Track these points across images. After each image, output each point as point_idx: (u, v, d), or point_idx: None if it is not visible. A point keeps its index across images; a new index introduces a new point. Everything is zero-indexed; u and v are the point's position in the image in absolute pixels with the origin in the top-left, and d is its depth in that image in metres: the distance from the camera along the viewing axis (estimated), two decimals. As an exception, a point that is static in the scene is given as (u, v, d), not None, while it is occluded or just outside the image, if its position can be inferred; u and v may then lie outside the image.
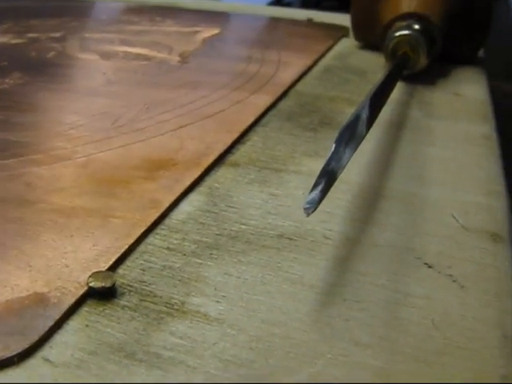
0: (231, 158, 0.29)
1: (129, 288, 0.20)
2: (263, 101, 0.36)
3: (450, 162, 0.30)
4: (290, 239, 0.23)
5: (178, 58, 0.42)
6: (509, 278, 0.22)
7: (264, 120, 0.34)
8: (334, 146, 0.23)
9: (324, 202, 0.25)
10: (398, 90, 0.39)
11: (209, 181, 0.27)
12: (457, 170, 0.30)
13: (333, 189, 0.26)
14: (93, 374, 0.17)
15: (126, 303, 0.20)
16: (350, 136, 0.24)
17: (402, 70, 0.38)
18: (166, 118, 0.32)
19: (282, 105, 0.36)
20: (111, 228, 0.23)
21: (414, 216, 0.25)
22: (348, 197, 0.27)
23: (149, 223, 0.23)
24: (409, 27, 0.41)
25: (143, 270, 0.21)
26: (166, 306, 0.20)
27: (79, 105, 0.34)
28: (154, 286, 0.20)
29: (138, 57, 0.43)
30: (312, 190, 0.20)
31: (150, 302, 0.20)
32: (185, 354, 0.18)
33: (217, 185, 0.27)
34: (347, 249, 0.23)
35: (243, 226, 0.24)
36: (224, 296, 0.20)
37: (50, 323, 0.18)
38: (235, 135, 0.31)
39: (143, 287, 0.20)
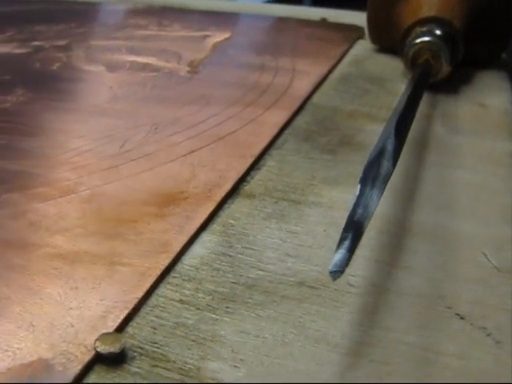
0: (246, 187, 0.28)
1: (139, 351, 0.19)
2: (279, 117, 0.34)
3: (480, 189, 0.28)
4: (312, 287, 0.22)
5: (187, 68, 0.40)
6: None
7: (279, 140, 0.32)
8: (358, 187, 0.21)
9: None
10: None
11: (223, 216, 0.26)
12: (487, 197, 0.28)
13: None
14: None
15: (136, 370, 0.18)
16: (375, 174, 0.22)
17: (427, 79, 0.36)
18: (176, 140, 0.31)
19: (299, 121, 0.35)
20: (118, 278, 0.21)
21: (443, 255, 0.24)
22: (371, 233, 0.25)
23: (159, 271, 0.22)
24: (430, 33, 0.38)
25: (154, 329, 0.20)
26: (180, 373, 0.18)
27: (84, 126, 0.32)
28: (166, 348, 0.19)
29: (145, 67, 0.41)
30: (338, 248, 0.18)
31: (163, 368, 0.18)
32: None
33: (231, 221, 0.25)
34: (373, 298, 0.21)
35: (261, 272, 0.22)
36: (242, 360, 0.18)
37: (55, 398, 0.17)
38: (249, 160, 0.29)
39: (155, 349, 0.19)
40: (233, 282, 0.22)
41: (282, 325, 0.20)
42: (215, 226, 0.25)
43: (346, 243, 0.18)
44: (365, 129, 0.34)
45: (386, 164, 0.23)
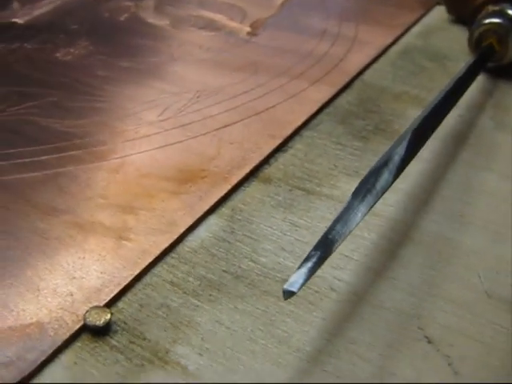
0: (266, 170, 0.29)
1: (123, 325, 0.21)
2: (322, 94, 0.34)
3: (503, 199, 0.27)
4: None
5: (247, 29, 0.41)
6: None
7: (315, 120, 0.32)
8: (349, 199, 0.22)
9: (346, 241, 0.24)
10: (476, 86, 0.35)
11: (235, 200, 0.27)
12: (508, 209, 0.27)
13: (362, 223, 0.25)
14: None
15: (115, 343, 0.21)
16: (370, 187, 0.22)
17: (478, 69, 0.34)
18: (213, 111, 0.32)
19: (342, 100, 0.34)
20: (122, 253, 0.24)
21: (434, 271, 0.24)
22: (373, 236, 0.25)
23: (158, 252, 0.24)
24: (501, 13, 0.36)
25: (141, 306, 0.22)
26: (150, 352, 0.20)
27: (135, 88, 0.34)
28: (146, 327, 0.21)
29: (208, 24, 0.42)
30: (300, 266, 0.19)
31: (138, 346, 0.21)
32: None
33: (241, 205, 0.27)
34: (349, 308, 0.22)
35: (252, 264, 0.24)
36: (208, 349, 0.21)
37: (42, 358, 0.20)
38: (277, 141, 0.30)
39: (136, 326, 0.21)
40: (223, 270, 0.24)
41: (254, 320, 0.22)
42: (224, 210, 0.26)
43: (309, 264, 0.19)
44: (406, 114, 0.33)
45: (386, 177, 0.23)
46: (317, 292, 0.23)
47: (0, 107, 0.31)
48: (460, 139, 0.32)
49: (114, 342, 0.21)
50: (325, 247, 0.20)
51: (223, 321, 0.22)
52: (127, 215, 0.25)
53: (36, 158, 0.28)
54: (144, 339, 0.21)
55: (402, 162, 0.24)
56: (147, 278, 0.23)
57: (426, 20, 0.44)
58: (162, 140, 0.30)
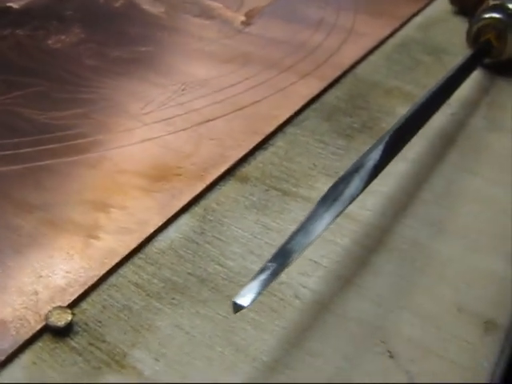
0: (244, 169, 0.28)
1: (84, 327, 0.21)
2: (310, 89, 0.33)
3: (487, 204, 0.27)
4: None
5: (242, 18, 0.40)
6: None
7: (301, 116, 0.32)
8: (314, 206, 0.21)
9: (317, 246, 0.24)
10: (472, 83, 0.34)
11: (209, 198, 0.27)
12: (490, 217, 0.26)
13: (335, 228, 0.25)
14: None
15: (75, 345, 0.21)
16: (339, 194, 0.22)
17: (474, 65, 0.33)
18: (197, 105, 0.32)
19: (330, 95, 0.34)
20: (90, 253, 0.24)
21: (405, 280, 0.23)
22: (346, 241, 0.25)
23: (126, 252, 0.24)
24: (501, 8, 0.34)
25: (104, 308, 0.22)
26: (108, 355, 0.21)
27: (121, 79, 0.34)
28: (106, 329, 0.21)
29: (203, 12, 0.41)
30: (254, 278, 0.19)
31: (97, 348, 0.21)
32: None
33: (214, 205, 0.26)
34: (312, 317, 0.22)
35: (218, 267, 0.24)
36: (164, 354, 0.21)
37: (2, 357, 0.20)
38: (258, 139, 0.29)
39: (96, 328, 0.21)
40: (189, 273, 0.24)
41: (214, 326, 0.22)
42: (197, 209, 0.26)
43: (263, 276, 0.19)
44: (396, 112, 0.32)
45: (357, 183, 0.22)
46: (281, 299, 0.23)
47: (-15, 97, 0.32)
48: (449, 139, 0.31)
49: (73, 344, 0.21)
50: (282, 258, 0.19)
51: (183, 325, 0.22)
52: (99, 213, 0.25)
53: (18, 151, 0.28)
54: (103, 342, 0.21)
55: (375, 168, 0.23)
56: (113, 279, 0.23)
57: (429, 11, 0.43)
58: (142, 134, 0.30)
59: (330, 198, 0.22)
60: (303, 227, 0.20)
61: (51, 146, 0.29)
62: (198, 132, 0.30)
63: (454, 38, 0.39)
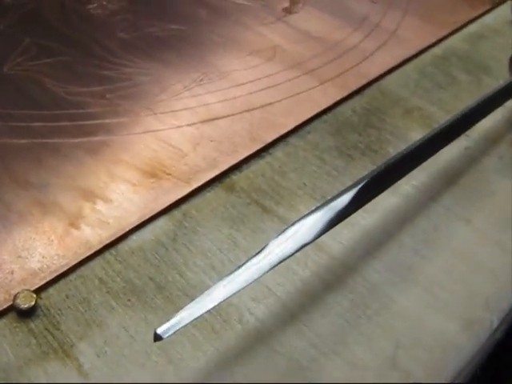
0: (234, 177, 0.29)
1: (45, 312, 0.24)
2: (326, 98, 0.33)
3: (463, 263, 0.26)
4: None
5: (285, 5, 0.39)
6: None
7: (308, 127, 0.32)
8: (267, 244, 0.22)
9: (277, 273, 0.25)
10: (502, 113, 0.33)
11: (191, 203, 0.28)
12: (460, 277, 0.26)
13: (301, 256, 0.26)
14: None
15: (33, 327, 0.24)
16: (285, 240, 0.22)
17: (508, 96, 0.31)
18: (210, 100, 0.32)
19: (345, 107, 0.33)
20: (67, 241, 0.26)
21: (351, 326, 0.24)
22: (306, 273, 0.26)
23: (100, 246, 0.26)
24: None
25: (67, 297, 0.25)
26: (58, 343, 0.23)
27: (144, 59, 0.35)
28: (64, 318, 0.24)
29: (249, -11, 0.40)
30: (184, 309, 0.20)
31: (50, 334, 0.23)
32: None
33: (194, 212, 0.28)
34: (247, 345, 0.23)
35: (177, 277, 0.25)
36: (105, 352, 0.23)
37: (-31, 328, 0.23)
38: (257, 146, 0.30)
39: (56, 315, 0.24)
40: (150, 278, 0.25)
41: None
42: (176, 213, 0.28)
43: (191, 311, 0.20)
44: (408, 136, 0.32)
45: (308, 232, 0.22)
46: (225, 321, 0.24)
47: (18, 60, 0.33)
48: (453, 177, 0.30)
49: (32, 326, 0.24)
50: (214, 296, 0.21)
51: (129, 328, 0.24)
52: (85, 202, 0.27)
53: (30, 124, 0.30)
54: (58, 329, 0.24)
55: (343, 210, 0.23)
56: (82, 270, 0.25)
57: (487, 19, 0.40)
58: (147, 125, 0.31)
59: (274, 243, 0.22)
60: (246, 268, 0.21)
61: (61, 123, 0.30)
62: (200, 130, 0.31)
63: (503, 56, 0.36)
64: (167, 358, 0.23)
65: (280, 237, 0.22)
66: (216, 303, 0.20)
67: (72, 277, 0.25)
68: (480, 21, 0.40)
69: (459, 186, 0.30)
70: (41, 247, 0.26)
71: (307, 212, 0.22)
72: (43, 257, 0.25)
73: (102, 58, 0.34)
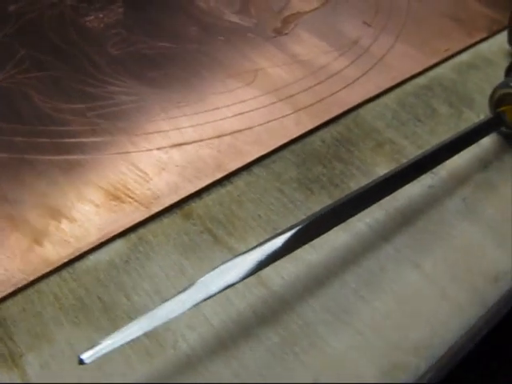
0: (193, 204, 0.31)
1: (2, 322, 0.27)
2: (299, 126, 0.34)
3: (401, 310, 0.27)
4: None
5: (277, 25, 0.39)
6: None
7: (275, 156, 0.33)
8: (193, 282, 0.24)
9: (215, 300, 0.26)
10: (475, 151, 0.33)
11: (148, 228, 0.30)
12: (395, 325, 0.26)
13: (242, 287, 0.27)
14: None
15: (-15, 336, 0.26)
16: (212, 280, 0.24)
17: (481, 135, 0.31)
18: (183, 123, 0.34)
19: (316, 137, 0.34)
20: (31, 257, 0.28)
21: (278, 361, 0.25)
22: (243, 305, 0.27)
23: (58, 264, 0.28)
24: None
25: (23, 310, 0.27)
26: (9, 352, 0.26)
27: (130, 79, 0.36)
28: (17, 329, 0.26)
29: (243, 9, 0.41)
30: (114, 335, 0.22)
31: (3, 343, 0.26)
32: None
33: (150, 237, 0.30)
34: (174, 372, 0.25)
35: (124, 299, 0.27)
36: (49, 365, 0.25)
37: None
38: (220, 175, 0.31)
39: (11, 326, 0.27)
40: (98, 298, 0.28)
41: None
42: (133, 237, 0.30)
43: (119, 337, 0.22)
44: (374, 172, 0.32)
45: (237, 272, 0.24)
46: (160, 345, 0.26)
47: (11, 72, 0.36)
48: (410, 217, 0.31)
49: (-16, 335, 0.26)
50: (146, 323, 0.23)
51: (74, 345, 0.26)
52: (52, 220, 0.30)
53: (13, 138, 0.33)
54: (10, 339, 0.26)
55: (270, 256, 0.25)
56: (40, 285, 0.28)
57: (482, 47, 0.39)
58: (121, 146, 0.33)
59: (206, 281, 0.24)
60: (170, 304, 0.23)
61: (41, 140, 0.33)
62: (169, 154, 0.32)
63: (490, 89, 0.36)
64: (100, 374, 0.25)
65: (207, 275, 0.24)
66: (137, 335, 0.22)
67: (30, 291, 0.28)
68: (473, 49, 0.39)
69: (416, 227, 0.30)
70: (5, 261, 0.28)
71: (257, 242, 0.24)
72: (5, 270, 0.28)
73: (89, 74, 0.36)
